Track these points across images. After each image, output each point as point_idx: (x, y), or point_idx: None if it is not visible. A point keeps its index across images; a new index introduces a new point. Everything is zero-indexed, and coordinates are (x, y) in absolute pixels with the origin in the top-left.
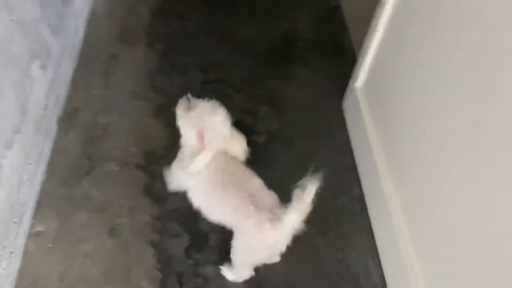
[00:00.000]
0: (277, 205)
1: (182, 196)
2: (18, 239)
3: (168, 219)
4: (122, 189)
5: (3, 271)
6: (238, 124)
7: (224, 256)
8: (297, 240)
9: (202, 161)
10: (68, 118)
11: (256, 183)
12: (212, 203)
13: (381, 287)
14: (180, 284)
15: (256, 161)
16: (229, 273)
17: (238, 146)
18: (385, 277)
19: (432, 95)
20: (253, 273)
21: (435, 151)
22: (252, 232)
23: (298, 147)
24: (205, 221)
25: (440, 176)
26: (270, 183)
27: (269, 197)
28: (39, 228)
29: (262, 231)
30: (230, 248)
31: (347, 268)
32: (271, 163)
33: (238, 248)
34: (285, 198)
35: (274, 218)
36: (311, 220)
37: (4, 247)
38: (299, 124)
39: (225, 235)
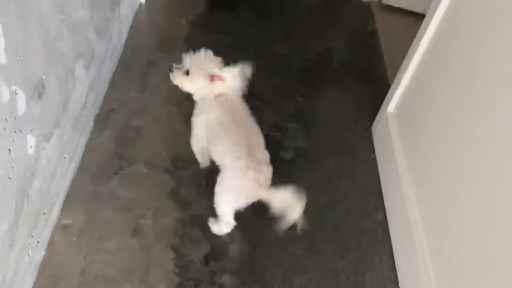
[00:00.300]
0: (266, 163)
1: (206, 204)
2: (45, 230)
3: (190, 225)
4: (148, 190)
5: (28, 260)
6: (266, 138)
7: (243, 266)
8: (317, 258)
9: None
10: (104, 118)
11: (257, 138)
12: (215, 138)
13: None
14: None
15: (281, 175)
16: (214, 225)
17: (235, 80)
18: None
19: (466, 126)
20: (233, 225)
21: (467, 184)
22: (236, 173)
23: (324, 166)
24: None
25: (468, 210)
26: None
27: (263, 154)
28: (66, 221)
29: (244, 177)
30: (248, 260)
31: None
32: (296, 180)
33: (220, 184)
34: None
35: (258, 171)
36: (331, 239)
37: (32, 236)
38: (327, 144)
39: (243, 246)
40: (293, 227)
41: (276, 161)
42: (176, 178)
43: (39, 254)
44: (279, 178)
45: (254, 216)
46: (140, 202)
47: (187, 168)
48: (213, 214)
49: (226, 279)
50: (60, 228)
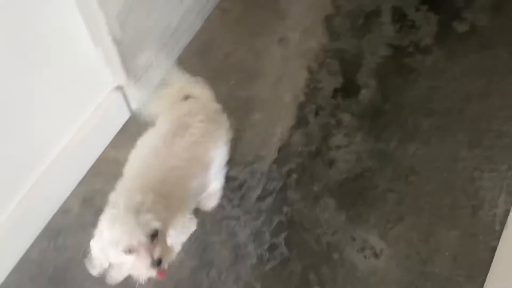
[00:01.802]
0: None
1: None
2: (208, 4)
3: (332, 56)
4: (305, 8)
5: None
6: None
7: (367, 113)
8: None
9: None
10: None
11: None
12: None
13: None
14: (316, 114)
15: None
16: None
17: None
18: None
19: None
20: None
21: None
22: None
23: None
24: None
25: None
26: None
27: None
28: (225, 5)
29: None
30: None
31: None
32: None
33: None
34: None
35: None
36: (466, 128)
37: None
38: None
39: (374, 95)
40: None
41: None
42: (335, 6)
43: (198, 24)
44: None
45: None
46: (294, 16)
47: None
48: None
49: (346, 117)
50: (220, 10)
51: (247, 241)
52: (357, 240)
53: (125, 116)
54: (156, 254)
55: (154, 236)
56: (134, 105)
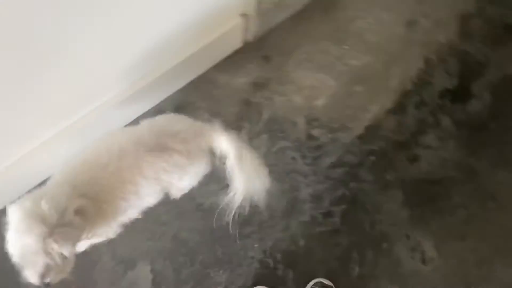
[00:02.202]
0: None
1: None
2: None
3: (455, 55)
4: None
5: None
6: None
7: (465, 123)
8: None
9: None
10: None
11: None
12: None
13: None
14: (417, 107)
15: None
16: None
17: None
18: None
19: None
20: None
21: None
22: None
23: None
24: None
25: None
26: None
27: None
28: None
29: None
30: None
31: None
32: None
33: None
34: None
35: None
36: None
37: None
38: None
39: (486, 103)
40: None
41: None
42: (478, 7)
43: None
44: None
45: None
46: (432, 4)
47: None
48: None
49: (446, 120)
50: None
51: (306, 200)
52: (411, 240)
53: (237, 44)
54: (47, 279)
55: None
56: (249, 36)
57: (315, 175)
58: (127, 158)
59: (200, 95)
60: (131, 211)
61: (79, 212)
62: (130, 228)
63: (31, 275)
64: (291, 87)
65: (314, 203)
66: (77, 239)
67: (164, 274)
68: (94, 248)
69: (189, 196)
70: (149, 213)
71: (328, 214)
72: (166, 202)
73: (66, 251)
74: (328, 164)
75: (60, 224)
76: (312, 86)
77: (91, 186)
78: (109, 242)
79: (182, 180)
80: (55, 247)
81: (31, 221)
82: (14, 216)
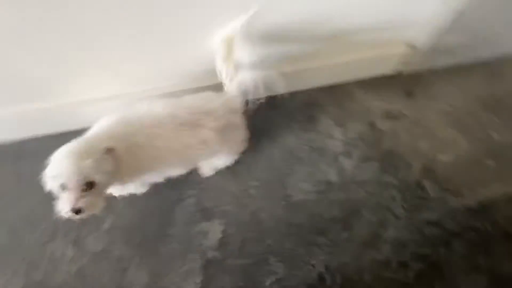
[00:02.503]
0: None
1: None
2: None
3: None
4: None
5: None
6: None
7: None
8: None
9: None
10: None
11: None
12: None
13: None
14: None
15: None
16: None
17: None
18: None
19: None
20: None
21: None
22: None
23: None
24: None
25: None
26: None
27: None
28: None
29: None
30: None
31: None
32: None
33: None
34: None
35: None
36: None
37: None
38: None
39: None
40: None
41: None
42: None
43: None
44: None
45: None
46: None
47: None
48: None
49: None
50: None
51: (389, 241)
52: None
53: (389, 70)
54: (79, 204)
55: (90, 185)
56: (404, 68)
57: (407, 222)
58: (161, 128)
59: (332, 102)
60: (155, 175)
61: (110, 151)
62: (220, 186)
63: (64, 204)
64: (422, 131)
65: (395, 247)
66: (107, 174)
67: (232, 239)
68: (182, 185)
69: (283, 184)
70: (240, 181)
71: (404, 265)
72: (258, 178)
73: (98, 178)
74: (425, 219)
75: (93, 155)
76: (444, 140)
77: (125, 136)
78: (200, 189)
79: (211, 158)
80: (89, 172)
81: (70, 153)
82: (57, 152)
